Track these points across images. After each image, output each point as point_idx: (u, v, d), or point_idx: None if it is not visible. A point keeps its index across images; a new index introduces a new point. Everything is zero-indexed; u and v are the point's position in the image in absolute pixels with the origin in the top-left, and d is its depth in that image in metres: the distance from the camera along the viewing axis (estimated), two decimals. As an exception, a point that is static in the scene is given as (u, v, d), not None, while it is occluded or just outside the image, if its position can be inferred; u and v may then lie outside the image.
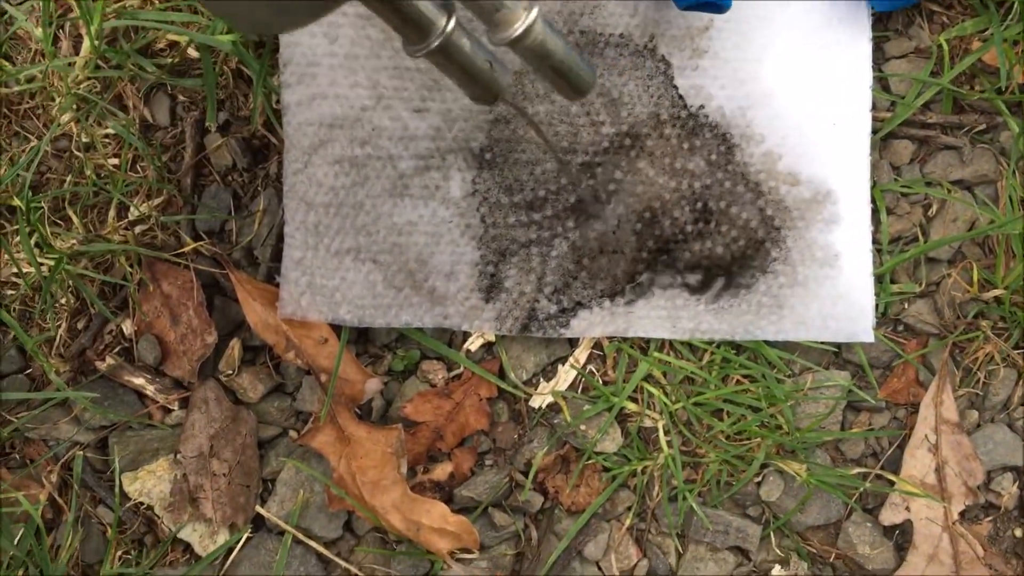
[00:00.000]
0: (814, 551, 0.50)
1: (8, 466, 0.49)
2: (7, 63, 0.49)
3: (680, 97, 0.48)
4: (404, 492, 0.48)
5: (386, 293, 0.48)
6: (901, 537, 0.51)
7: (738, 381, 0.49)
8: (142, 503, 0.49)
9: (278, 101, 0.49)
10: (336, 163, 0.48)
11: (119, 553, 0.49)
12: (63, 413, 0.49)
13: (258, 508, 0.49)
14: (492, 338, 0.50)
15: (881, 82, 0.50)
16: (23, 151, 0.50)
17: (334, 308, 0.48)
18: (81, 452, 0.48)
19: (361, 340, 0.50)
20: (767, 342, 0.49)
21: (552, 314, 0.49)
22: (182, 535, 0.48)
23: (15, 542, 0.47)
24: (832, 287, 0.49)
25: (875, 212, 0.50)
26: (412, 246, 0.48)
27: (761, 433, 0.49)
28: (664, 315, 0.49)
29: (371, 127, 0.48)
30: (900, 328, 0.51)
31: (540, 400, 0.50)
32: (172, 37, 0.50)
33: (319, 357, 0.49)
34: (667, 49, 0.48)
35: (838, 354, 0.50)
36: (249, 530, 0.49)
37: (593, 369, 0.50)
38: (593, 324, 0.49)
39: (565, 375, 0.50)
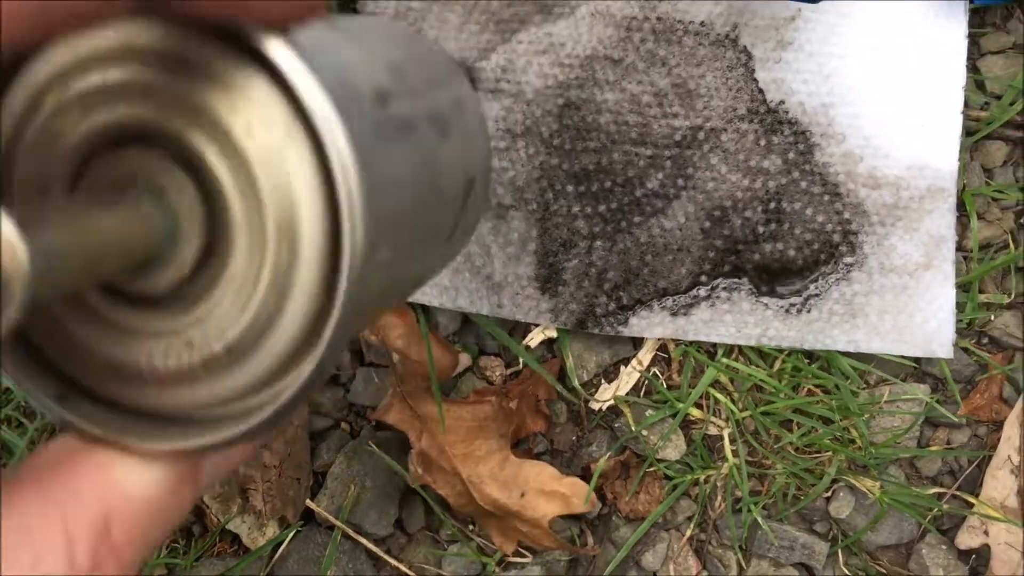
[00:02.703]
0: (884, 572, 0.49)
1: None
2: None
3: (760, 91, 0.47)
4: (505, 458, 0.48)
5: (445, 273, 0.47)
6: (977, 562, 0.49)
7: (810, 391, 0.48)
8: (191, 492, 0.48)
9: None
10: None
11: (167, 542, 0.48)
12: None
13: (308, 502, 0.49)
14: (553, 334, 0.49)
15: (975, 80, 0.48)
16: None
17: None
18: (131, 437, 0.48)
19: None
20: (840, 352, 0.47)
21: (611, 311, 0.48)
22: (231, 526, 0.49)
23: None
24: (910, 298, 0.47)
25: (963, 217, 0.48)
26: (478, 231, 0.47)
27: (833, 447, 0.47)
28: (729, 319, 0.48)
29: None
30: (985, 341, 0.49)
31: (600, 402, 0.49)
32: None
33: (391, 336, 0.48)
34: (749, 40, 0.46)
35: (917, 366, 0.49)
36: (300, 524, 0.48)
37: (657, 372, 0.49)
38: (653, 324, 0.48)
39: (628, 377, 0.49)
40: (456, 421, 0.49)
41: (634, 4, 0.47)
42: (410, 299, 0.49)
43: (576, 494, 0.49)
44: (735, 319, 0.49)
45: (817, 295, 0.48)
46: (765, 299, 0.49)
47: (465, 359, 0.51)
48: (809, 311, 0.48)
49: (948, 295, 0.48)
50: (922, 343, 0.48)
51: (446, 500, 0.49)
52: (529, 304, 0.49)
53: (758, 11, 0.47)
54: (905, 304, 0.48)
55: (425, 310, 0.50)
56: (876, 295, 0.48)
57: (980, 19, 0.49)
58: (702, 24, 0.47)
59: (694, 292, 0.49)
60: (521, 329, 0.51)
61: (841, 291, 0.48)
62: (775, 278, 0.49)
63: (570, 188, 0.48)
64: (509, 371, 0.51)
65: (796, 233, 0.48)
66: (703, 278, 0.49)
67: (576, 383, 0.50)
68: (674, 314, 0.49)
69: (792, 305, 0.49)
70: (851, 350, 0.49)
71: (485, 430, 0.49)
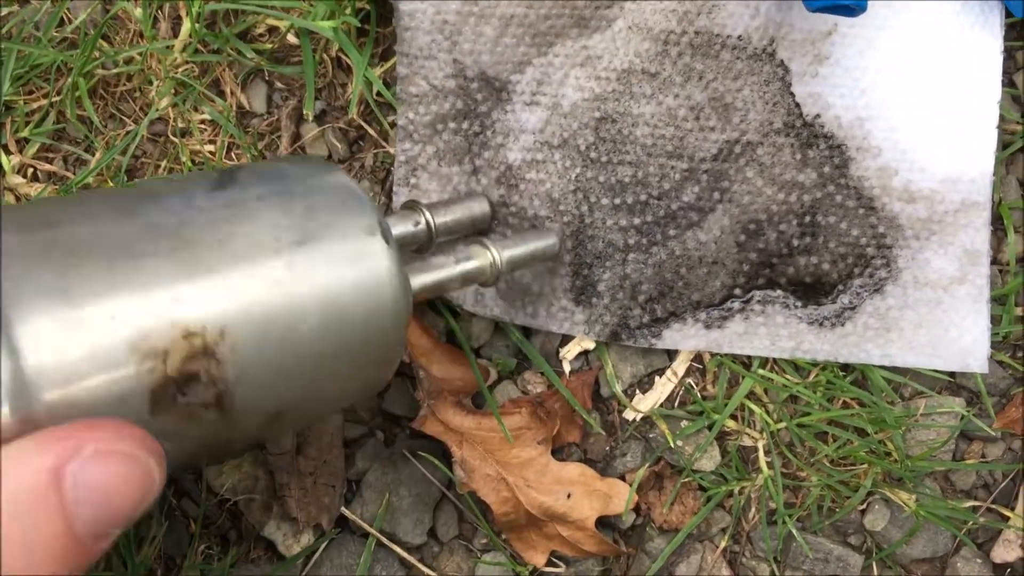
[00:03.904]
0: (918, 585, 0.49)
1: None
2: (106, 44, 0.49)
3: (797, 105, 0.48)
4: (546, 464, 0.50)
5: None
6: (1012, 576, 0.49)
7: (845, 403, 0.48)
8: (227, 498, 0.49)
9: (378, 92, 0.48)
10: (446, 154, 0.48)
11: (202, 547, 0.49)
12: (151, 403, 0.50)
13: (343, 509, 0.49)
14: (590, 346, 0.49)
15: (1010, 94, 0.49)
16: (119, 135, 0.50)
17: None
18: (168, 443, 0.49)
19: (452, 342, 0.50)
20: (875, 365, 0.47)
21: (644, 323, 0.48)
22: (266, 533, 0.49)
23: (99, 531, 0.47)
24: (944, 312, 0.48)
25: (999, 231, 0.49)
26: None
27: (868, 459, 0.48)
28: (763, 332, 0.48)
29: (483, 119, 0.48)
30: (1020, 354, 0.49)
31: (635, 413, 0.49)
32: (272, 22, 0.50)
33: (416, 353, 0.48)
34: (787, 54, 0.47)
35: (952, 379, 0.49)
36: (335, 532, 0.49)
37: (691, 383, 0.49)
38: (687, 336, 0.48)
39: (662, 388, 0.49)
40: (489, 432, 0.50)
41: (671, 18, 0.48)
42: (456, 303, 0.50)
43: (618, 495, 0.49)
44: (769, 332, 0.49)
45: (851, 309, 0.49)
46: (799, 312, 0.49)
47: (494, 373, 0.51)
48: (843, 325, 0.49)
49: (983, 309, 0.49)
50: (957, 357, 0.49)
51: (487, 508, 0.49)
52: (563, 315, 0.49)
53: (795, 25, 0.48)
54: (940, 318, 0.49)
55: (455, 316, 0.50)
56: (910, 309, 0.49)
57: (1017, 33, 0.50)
58: (739, 38, 0.48)
59: (728, 305, 0.49)
60: (555, 339, 0.51)
61: (875, 305, 0.49)
62: (809, 292, 0.49)
63: (605, 201, 0.49)
64: (551, 389, 0.52)
65: (830, 247, 0.49)
66: (737, 291, 0.49)
67: (618, 389, 0.50)
68: (708, 327, 0.49)
69: (826, 319, 0.49)
70: (886, 364, 0.49)
71: (520, 439, 0.49)
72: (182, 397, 0.28)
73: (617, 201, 0.49)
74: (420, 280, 0.40)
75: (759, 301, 0.49)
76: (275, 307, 0.31)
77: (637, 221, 0.49)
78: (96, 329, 0.27)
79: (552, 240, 0.47)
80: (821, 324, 0.49)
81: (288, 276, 0.31)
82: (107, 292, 0.28)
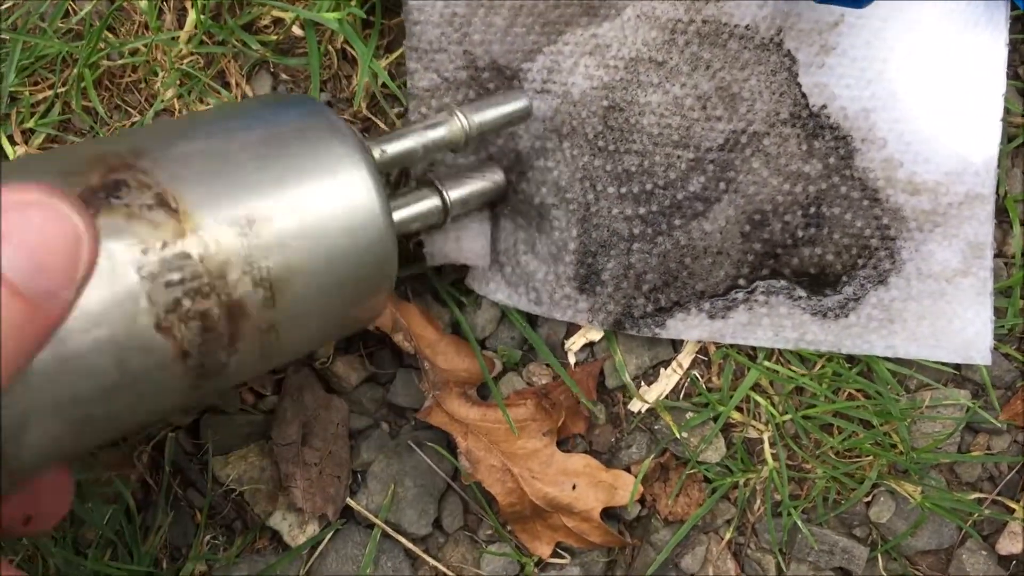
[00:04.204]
0: (923, 577, 0.50)
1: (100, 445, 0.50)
2: (111, 35, 0.49)
3: (803, 95, 0.48)
4: (552, 455, 0.50)
5: (492, 265, 0.48)
6: (1018, 568, 0.50)
7: (850, 395, 0.49)
8: (232, 489, 0.49)
9: (383, 84, 0.49)
10: None
11: (207, 537, 0.49)
12: (157, 394, 0.50)
13: (348, 500, 0.50)
14: (595, 337, 0.49)
15: (1016, 86, 0.49)
16: (124, 125, 0.50)
17: (455, 253, 0.49)
18: (173, 434, 0.49)
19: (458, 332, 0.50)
20: (880, 356, 0.48)
21: (648, 312, 0.48)
22: (271, 523, 0.50)
23: (105, 521, 0.48)
24: (948, 304, 0.48)
25: (1004, 223, 0.49)
26: (520, 228, 0.48)
27: (874, 451, 0.48)
28: (767, 322, 0.48)
29: None
30: (1026, 347, 0.49)
31: (640, 404, 0.49)
32: (277, 14, 0.50)
33: (421, 344, 0.49)
34: (794, 44, 0.47)
35: (957, 371, 0.49)
36: (340, 523, 0.49)
37: (697, 375, 0.49)
38: (690, 326, 0.48)
39: (667, 379, 0.49)
40: (495, 424, 0.50)
41: (679, 7, 0.48)
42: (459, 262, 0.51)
43: (623, 486, 0.50)
44: (772, 323, 0.49)
45: (855, 300, 0.49)
46: (803, 303, 0.49)
47: (499, 364, 0.51)
48: (847, 316, 0.49)
49: (986, 302, 0.49)
50: (960, 349, 0.49)
51: (493, 499, 0.49)
52: (567, 303, 0.50)
53: (803, 15, 0.48)
54: (943, 310, 0.49)
55: (460, 307, 0.50)
56: (914, 301, 0.49)
57: (1022, 26, 0.50)
58: (747, 28, 0.48)
59: (732, 295, 0.49)
60: (560, 331, 0.51)
61: (879, 296, 0.49)
62: (813, 282, 0.49)
63: (612, 189, 0.49)
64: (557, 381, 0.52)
65: (835, 238, 0.49)
66: (741, 281, 0.49)
67: (627, 378, 0.51)
68: (712, 317, 0.50)
69: (830, 310, 0.49)
70: (889, 355, 0.49)
71: (526, 430, 0.50)
72: (117, 200, 0.30)
73: (623, 190, 0.49)
74: (385, 148, 0.41)
75: (763, 292, 0.50)
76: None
77: (643, 210, 0.49)
78: None
79: (523, 102, 0.45)
80: (825, 315, 0.49)
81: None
82: None
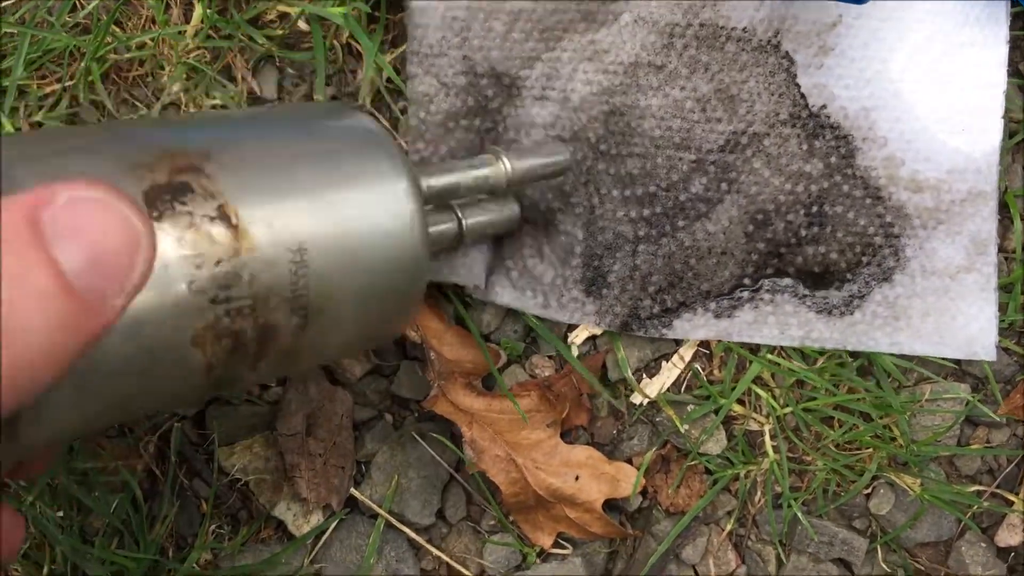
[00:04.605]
0: (922, 568, 0.50)
1: (107, 434, 0.50)
2: (118, 29, 0.50)
3: (802, 96, 0.48)
4: (555, 446, 0.51)
5: (496, 270, 0.49)
6: (1016, 560, 0.51)
7: (851, 388, 0.49)
8: (237, 479, 0.50)
9: (388, 79, 0.49)
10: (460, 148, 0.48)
11: (213, 527, 0.50)
12: (164, 385, 0.50)
13: (352, 490, 0.50)
14: (597, 331, 0.50)
15: (1017, 83, 0.49)
16: (132, 119, 0.51)
17: (451, 273, 0.50)
18: (179, 424, 0.50)
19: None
20: (883, 353, 0.48)
21: (655, 313, 0.49)
22: (276, 513, 0.50)
23: (112, 510, 0.48)
24: (952, 301, 0.48)
25: (1006, 219, 0.49)
26: (526, 232, 0.48)
27: (873, 444, 0.49)
28: (772, 321, 0.49)
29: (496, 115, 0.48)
30: (1026, 341, 0.50)
31: (641, 397, 0.50)
32: (283, 8, 0.51)
33: (428, 335, 0.49)
34: (792, 45, 0.48)
35: (958, 365, 0.50)
36: (344, 513, 0.50)
37: (699, 368, 0.50)
38: (697, 326, 0.49)
39: (669, 372, 0.50)
40: (499, 414, 0.50)
41: (676, 11, 0.49)
42: (458, 283, 0.51)
43: (625, 478, 0.50)
44: (778, 321, 0.50)
45: (860, 297, 0.50)
46: (808, 301, 0.50)
47: (503, 356, 0.52)
48: (852, 313, 0.50)
49: (990, 297, 0.49)
50: (964, 345, 0.50)
51: (496, 489, 0.50)
52: (574, 306, 0.50)
53: (800, 17, 0.49)
54: (947, 306, 0.49)
55: (466, 305, 0.51)
56: (918, 298, 0.50)
57: (1023, 22, 0.50)
58: (744, 30, 0.49)
59: (738, 294, 0.50)
60: (563, 324, 0.52)
61: (883, 294, 0.50)
62: (818, 281, 0.50)
63: (615, 192, 0.49)
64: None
65: (838, 236, 0.49)
66: (746, 281, 0.50)
67: (628, 374, 0.51)
68: (718, 316, 0.50)
69: (835, 307, 0.50)
70: (894, 352, 0.50)
71: (530, 421, 0.50)
72: (181, 205, 0.30)
73: (627, 193, 0.50)
74: (431, 182, 0.41)
75: (768, 290, 0.50)
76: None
77: (646, 212, 0.50)
78: None
79: (563, 156, 0.46)
80: (830, 313, 0.50)
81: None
82: None
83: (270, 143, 0.34)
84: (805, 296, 0.50)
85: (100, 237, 0.23)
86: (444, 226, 0.44)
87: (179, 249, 0.29)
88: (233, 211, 0.30)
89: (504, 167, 0.44)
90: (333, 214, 0.34)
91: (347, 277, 0.34)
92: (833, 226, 0.49)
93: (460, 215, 0.45)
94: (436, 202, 0.44)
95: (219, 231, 0.30)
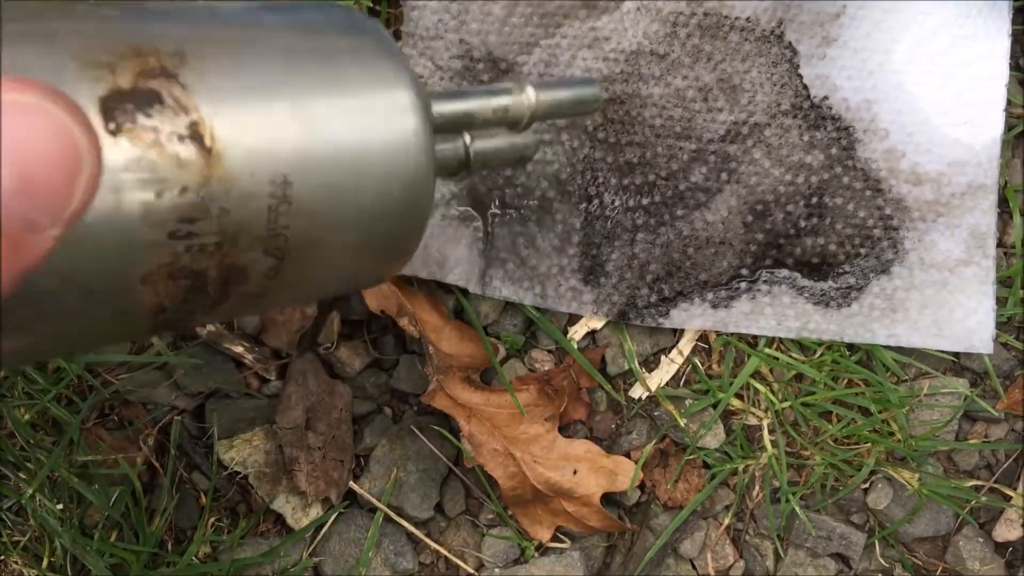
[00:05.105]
0: (920, 563, 0.50)
1: (107, 427, 0.51)
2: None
3: (804, 87, 0.48)
4: (553, 440, 0.51)
5: (492, 264, 0.49)
6: (1013, 555, 0.51)
7: (850, 383, 0.49)
8: (237, 472, 0.50)
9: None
10: None
11: (212, 520, 0.50)
12: (163, 377, 0.51)
13: (351, 484, 0.50)
14: (596, 326, 0.50)
15: (1018, 76, 0.49)
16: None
17: (445, 270, 0.51)
18: (179, 417, 0.50)
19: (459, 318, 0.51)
20: (881, 345, 0.48)
21: (652, 302, 0.49)
22: (275, 506, 0.51)
23: (111, 503, 0.49)
24: (950, 293, 0.48)
25: (1006, 213, 0.49)
26: (520, 221, 0.48)
27: (872, 438, 0.49)
28: (769, 312, 0.49)
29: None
30: (1025, 336, 0.50)
31: (644, 389, 0.50)
32: (283, 1, 0.50)
33: (426, 329, 0.49)
34: (795, 36, 0.48)
35: (956, 360, 0.50)
36: (343, 506, 0.50)
37: (697, 362, 0.50)
38: (693, 316, 0.49)
39: (668, 366, 0.50)
40: (497, 408, 0.50)
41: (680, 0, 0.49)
42: (462, 285, 0.50)
43: (623, 472, 0.50)
44: (775, 312, 0.50)
45: (858, 289, 0.50)
46: (806, 293, 0.50)
47: (502, 350, 0.52)
48: (849, 305, 0.50)
49: (989, 291, 0.50)
50: (962, 338, 0.50)
51: (495, 482, 0.50)
52: (571, 295, 0.50)
53: (804, 7, 0.49)
54: (945, 299, 0.50)
55: (464, 298, 0.51)
56: (916, 290, 0.50)
57: (1025, 16, 0.50)
58: (748, 20, 0.49)
59: (735, 285, 0.50)
60: (562, 320, 0.52)
61: (882, 285, 0.50)
62: (816, 272, 0.50)
63: (614, 181, 0.49)
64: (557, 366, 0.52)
65: (837, 228, 0.49)
66: (744, 271, 0.50)
67: (635, 364, 0.51)
68: (715, 306, 0.50)
69: (832, 299, 0.50)
70: (891, 344, 0.50)
71: (528, 415, 0.50)
72: (145, 118, 0.25)
73: (625, 181, 0.50)
74: (441, 108, 0.36)
75: (766, 281, 0.50)
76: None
77: (645, 201, 0.50)
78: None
79: (593, 89, 0.41)
80: (827, 304, 0.50)
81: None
82: None
83: (259, 47, 0.29)
84: (803, 287, 0.50)
85: (31, 154, 0.19)
86: (447, 147, 0.39)
87: (136, 171, 0.24)
88: (208, 130, 0.26)
89: (527, 98, 0.38)
90: (326, 140, 0.29)
91: (334, 214, 0.29)
92: (832, 218, 0.50)
93: (466, 138, 0.39)
94: (446, 130, 0.38)
95: (188, 152, 0.25)
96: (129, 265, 0.25)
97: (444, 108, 0.36)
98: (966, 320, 0.50)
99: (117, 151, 0.24)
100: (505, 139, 0.40)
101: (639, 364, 0.52)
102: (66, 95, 0.20)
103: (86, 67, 0.24)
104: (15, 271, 0.19)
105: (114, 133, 0.24)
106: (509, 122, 0.39)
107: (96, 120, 0.24)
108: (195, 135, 0.25)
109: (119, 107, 0.24)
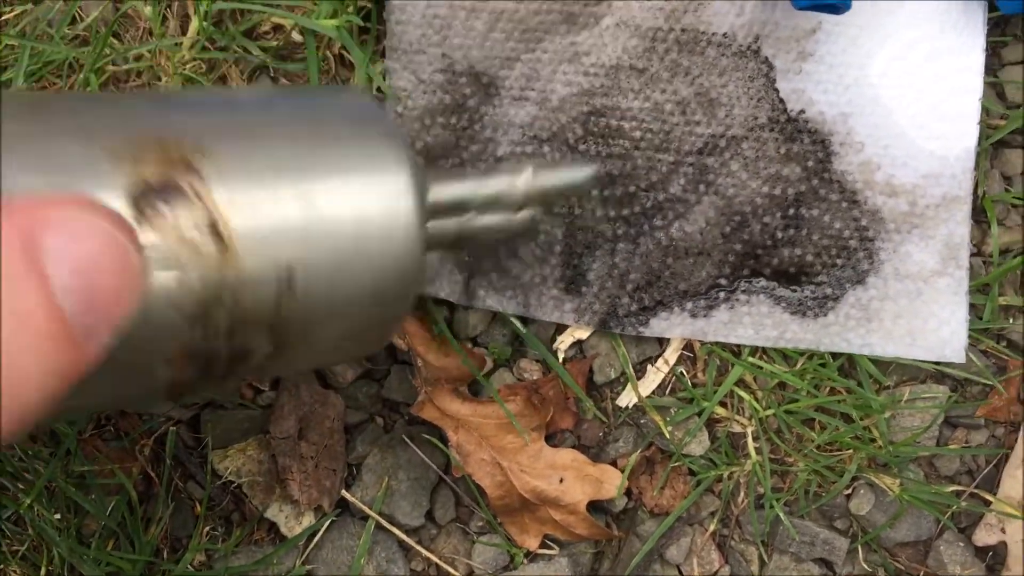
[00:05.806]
0: (901, 568, 0.52)
1: (104, 438, 0.52)
2: (116, 41, 0.52)
3: (781, 101, 0.50)
4: (540, 449, 0.52)
5: (475, 275, 0.51)
6: (994, 559, 0.52)
7: (832, 390, 0.50)
8: (231, 481, 0.51)
9: (379, 88, 0.51)
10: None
11: (207, 528, 0.51)
12: (159, 388, 0.52)
13: (343, 492, 0.51)
14: (583, 336, 0.51)
15: (995, 88, 0.50)
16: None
17: (433, 286, 0.52)
18: (174, 428, 0.51)
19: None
20: (856, 354, 0.50)
21: (632, 311, 0.50)
22: (268, 515, 0.52)
23: (108, 512, 0.50)
24: (924, 304, 0.50)
25: (983, 223, 0.50)
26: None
27: (854, 445, 0.50)
28: (748, 321, 0.50)
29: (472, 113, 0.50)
30: (1003, 344, 0.51)
31: (627, 399, 0.51)
32: (277, 20, 0.52)
33: (414, 342, 0.50)
34: (771, 51, 0.49)
35: (937, 367, 0.51)
36: (335, 514, 0.51)
37: (683, 371, 0.51)
38: (673, 324, 0.50)
39: (654, 376, 0.51)
40: (484, 419, 0.52)
41: (659, 15, 0.50)
42: (450, 299, 0.52)
43: (609, 480, 0.51)
44: (753, 321, 0.51)
45: (834, 299, 0.51)
46: (783, 303, 0.51)
47: (490, 361, 0.53)
48: (826, 315, 0.51)
49: (962, 301, 0.51)
50: (935, 348, 0.51)
51: (483, 491, 0.51)
52: (553, 304, 0.52)
53: (780, 23, 0.50)
54: (919, 309, 0.51)
55: (451, 309, 0.52)
56: (891, 300, 0.51)
57: (1002, 30, 0.52)
58: (725, 35, 0.50)
59: (714, 294, 0.51)
60: (549, 329, 0.53)
61: (857, 296, 0.51)
62: (793, 282, 0.51)
63: (595, 192, 0.51)
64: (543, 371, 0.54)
65: (814, 239, 0.51)
66: (722, 281, 0.51)
67: (630, 369, 0.53)
68: (694, 315, 0.52)
69: (809, 309, 0.51)
70: (866, 353, 0.51)
71: (514, 424, 0.51)
72: (167, 208, 0.26)
73: (606, 192, 0.51)
74: (438, 193, 0.38)
75: (744, 291, 0.52)
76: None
77: (625, 212, 0.51)
78: None
79: (588, 170, 0.43)
80: (804, 314, 0.51)
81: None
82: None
83: (271, 137, 0.31)
84: (780, 297, 0.51)
85: (98, 274, 0.20)
86: (444, 224, 0.39)
87: (161, 262, 0.26)
88: (224, 222, 0.27)
89: (521, 185, 0.40)
90: (328, 226, 0.30)
91: (334, 297, 0.31)
92: (809, 229, 0.51)
93: (462, 217, 0.40)
94: (441, 212, 0.39)
95: (206, 243, 0.27)
96: (153, 348, 0.27)
97: (440, 194, 0.38)
98: (939, 330, 0.51)
99: (143, 240, 0.25)
100: (502, 217, 0.41)
101: (623, 373, 0.54)
102: (105, 207, 0.21)
103: (117, 161, 0.26)
104: (75, 376, 0.20)
105: (139, 223, 0.26)
106: (504, 207, 0.40)
107: (126, 212, 0.26)
108: (212, 226, 0.27)
109: (143, 199, 0.26)
